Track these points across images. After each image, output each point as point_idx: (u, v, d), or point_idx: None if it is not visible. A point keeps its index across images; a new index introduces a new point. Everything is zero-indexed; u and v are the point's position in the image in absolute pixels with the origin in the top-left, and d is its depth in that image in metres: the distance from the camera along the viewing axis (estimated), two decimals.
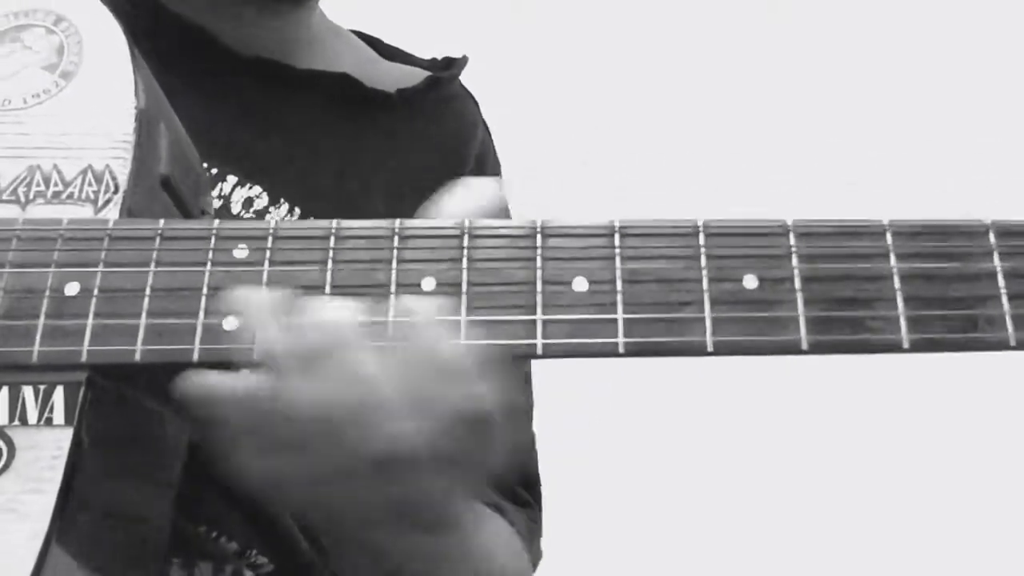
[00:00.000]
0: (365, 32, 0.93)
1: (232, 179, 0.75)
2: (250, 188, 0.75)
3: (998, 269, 0.52)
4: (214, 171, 0.74)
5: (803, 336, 0.51)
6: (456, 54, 0.90)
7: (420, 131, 0.85)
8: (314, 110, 0.81)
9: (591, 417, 1.66)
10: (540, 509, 0.86)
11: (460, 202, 0.55)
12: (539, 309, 0.52)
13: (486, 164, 0.90)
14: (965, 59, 1.81)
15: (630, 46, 1.86)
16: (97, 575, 0.52)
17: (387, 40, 0.94)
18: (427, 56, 0.92)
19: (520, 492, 0.85)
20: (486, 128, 0.92)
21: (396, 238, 0.53)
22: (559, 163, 1.70)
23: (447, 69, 0.89)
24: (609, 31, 1.87)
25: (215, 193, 0.74)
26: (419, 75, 0.87)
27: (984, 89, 1.80)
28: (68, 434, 0.51)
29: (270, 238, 0.53)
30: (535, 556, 0.84)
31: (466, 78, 0.91)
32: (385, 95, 0.83)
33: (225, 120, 0.77)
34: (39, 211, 0.55)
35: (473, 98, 0.92)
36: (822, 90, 1.83)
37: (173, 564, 0.67)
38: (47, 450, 0.51)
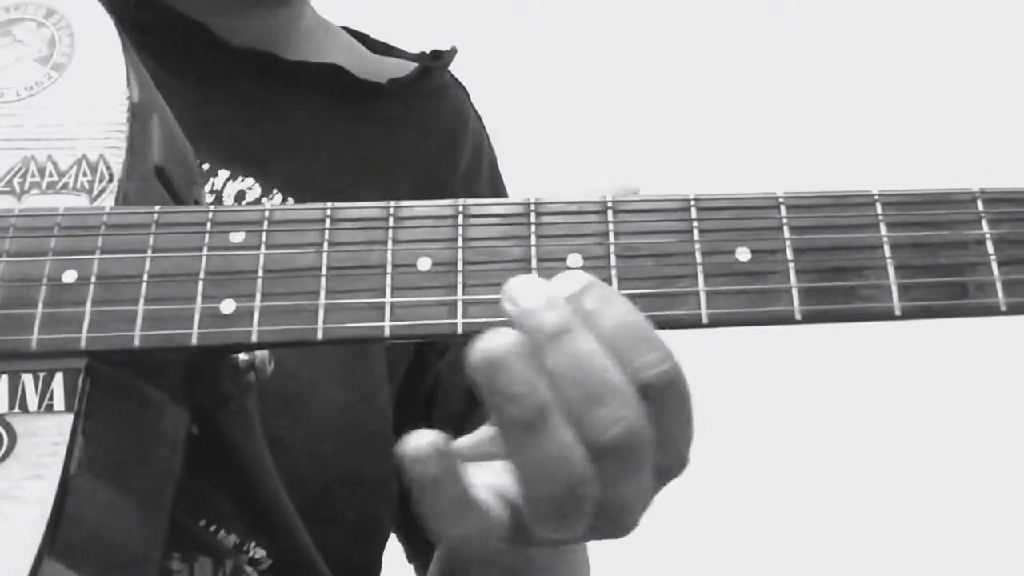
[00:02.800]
0: (354, 29, 0.94)
1: (224, 174, 0.75)
2: (242, 181, 0.75)
3: (987, 236, 0.53)
4: (206, 167, 0.74)
5: (796, 306, 0.52)
6: (444, 46, 0.91)
7: (412, 120, 0.86)
8: (306, 101, 0.82)
9: None
10: None
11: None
12: None
13: (482, 152, 0.91)
14: (952, 29, 1.83)
15: (619, 27, 1.87)
16: (96, 561, 0.52)
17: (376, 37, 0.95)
18: (416, 51, 0.93)
19: None
20: (478, 117, 0.93)
21: (391, 219, 0.54)
22: (552, 149, 1.70)
23: (436, 61, 0.90)
24: (598, 11, 1.88)
25: (207, 188, 0.74)
26: (409, 66, 0.88)
27: (968, 58, 1.81)
28: (68, 420, 0.51)
29: (265, 222, 0.54)
30: None
31: (457, 70, 0.92)
32: (377, 85, 0.84)
33: (217, 114, 0.77)
34: (34, 201, 0.56)
35: (463, 88, 0.93)
36: (812, 63, 1.84)
37: (173, 558, 0.67)
38: (48, 436, 0.51)
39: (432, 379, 0.83)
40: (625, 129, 1.79)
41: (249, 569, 0.69)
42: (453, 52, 0.89)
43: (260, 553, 0.71)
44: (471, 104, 0.93)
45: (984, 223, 0.53)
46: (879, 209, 0.53)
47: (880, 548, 1.72)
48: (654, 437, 0.48)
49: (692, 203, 0.54)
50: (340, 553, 0.73)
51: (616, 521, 0.50)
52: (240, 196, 0.75)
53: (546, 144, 1.72)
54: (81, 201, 0.56)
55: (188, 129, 0.66)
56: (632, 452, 0.47)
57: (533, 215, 0.54)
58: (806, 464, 1.74)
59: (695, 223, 0.53)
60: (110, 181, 0.56)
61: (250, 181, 0.75)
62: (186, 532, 0.67)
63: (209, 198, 0.74)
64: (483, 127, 0.93)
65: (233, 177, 0.75)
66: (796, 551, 1.72)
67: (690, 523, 1.70)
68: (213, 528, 0.69)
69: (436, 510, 0.47)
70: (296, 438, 0.72)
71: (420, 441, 0.46)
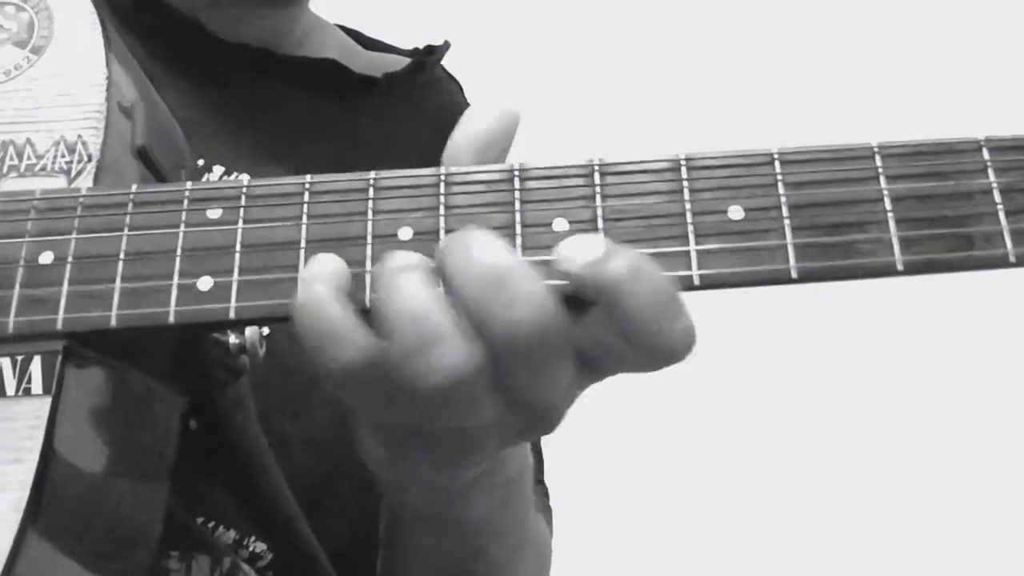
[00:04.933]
0: (348, 26, 0.94)
1: (219, 170, 0.75)
2: (236, 177, 0.75)
3: (993, 185, 0.50)
4: (200, 162, 0.74)
5: (792, 264, 0.49)
6: (437, 41, 0.92)
7: (407, 114, 0.86)
8: (301, 96, 0.82)
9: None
10: (544, 483, 0.85)
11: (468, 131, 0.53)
12: (519, 252, 0.50)
13: None
14: None
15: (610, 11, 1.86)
16: (81, 550, 0.51)
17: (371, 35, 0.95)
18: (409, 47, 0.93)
19: None
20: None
21: (371, 190, 0.53)
22: (544, 138, 1.70)
23: (429, 56, 0.90)
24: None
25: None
26: (403, 61, 0.89)
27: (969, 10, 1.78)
28: (46, 403, 0.50)
29: (243, 197, 0.53)
30: (551, 534, 0.83)
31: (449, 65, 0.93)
32: (372, 80, 0.84)
33: (211, 110, 0.77)
34: (13, 185, 0.55)
35: (456, 81, 0.93)
36: (807, 21, 1.82)
37: (171, 557, 0.66)
38: (25, 419, 0.50)
39: None
40: (619, 118, 1.77)
41: (246, 567, 0.68)
42: (446, 46, 0.90)
43: (261, 547, 0.70)
44: (464, 97, 0.93)
45: (990, 172, 0.50)
46: (879, 161, 0.51)
47: (879, 532, 1.69)
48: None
49: (682, 162, 0.52)
50: (340, 545, 0.72)
51: None
52: None
53: (539, 133, 1.72)
54: (59, 183, 0.55)
55: (183, 126, 0.65)
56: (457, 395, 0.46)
57: (517, 180, 0.52)
58: (801, 430, 1.71)
59: (685, 183, 0.51)
60: (88, 161, 0.55)
61: (245, 177, 0.75)
62: (184, 530, 0.66)
63: None
64: None
65: (228, 173, 0.75)
66: (791, 532, 1.69)
67: (685, 502, 1.68)
68: (211, 525, 0.68)
69: (316, 334, 0.47)
70: (295, 430, 0.71)
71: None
